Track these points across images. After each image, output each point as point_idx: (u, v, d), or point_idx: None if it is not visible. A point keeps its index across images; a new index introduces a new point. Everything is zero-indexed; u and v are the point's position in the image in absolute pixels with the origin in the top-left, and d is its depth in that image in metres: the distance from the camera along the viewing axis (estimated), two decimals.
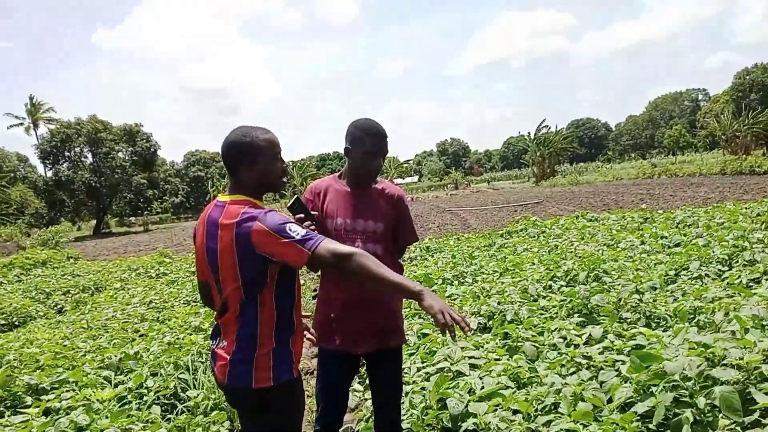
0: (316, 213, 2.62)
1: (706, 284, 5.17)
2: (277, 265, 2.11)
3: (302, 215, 2.47)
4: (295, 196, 2.58)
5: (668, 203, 16.77)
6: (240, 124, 2.29)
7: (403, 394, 3.14)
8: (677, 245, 7.58)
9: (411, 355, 4.28)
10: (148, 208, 55.63)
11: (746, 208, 10.05)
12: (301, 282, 2.42)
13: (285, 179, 2.35)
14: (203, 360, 4.69)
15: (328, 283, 2.81)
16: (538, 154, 49.47)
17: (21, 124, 58.38)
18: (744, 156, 34.96)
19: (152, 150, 50.99)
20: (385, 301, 2.77)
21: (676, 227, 9.20)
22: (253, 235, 2.05)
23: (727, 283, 4.86)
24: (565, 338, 3.96)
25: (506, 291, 5.61)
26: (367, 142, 2.68)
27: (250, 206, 2.15)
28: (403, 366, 3.02)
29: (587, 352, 3.48)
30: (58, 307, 10.01)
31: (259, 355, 2.14)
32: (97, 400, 3.91)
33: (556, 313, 4.77)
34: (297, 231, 2.04)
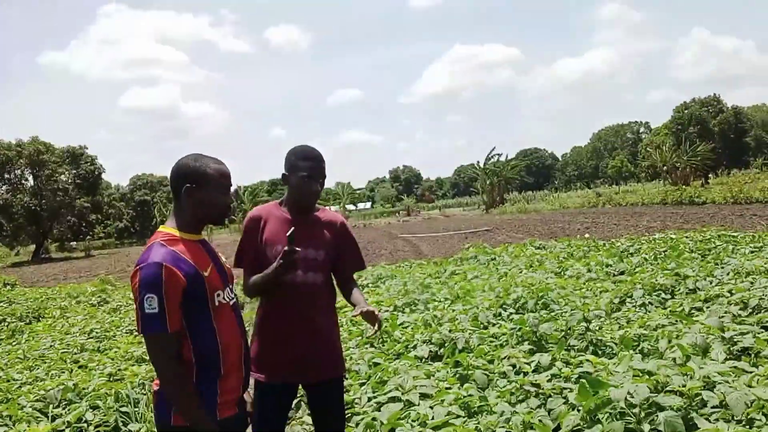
0: (299, 250, 2.53)
1: (649, 312, 5.32)
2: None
3: (294, 249, 2.45)
4: (292, 228, 2.49)
5: (612, 232, 17.27)
6: (189, 149, 2.27)
7: (350, 424, 3.10)
8: (621, 273, 7.79)
9: (362, 384, 4.23)
10: (91, 233, 53.90)
11: (687, 237, 10.43)
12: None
13: (228, 215, 2.32)
14: (146, 392, 4.52)
15: (265, 314, 2.76)
16: (488, 182, 50.38)
17: None
18: (684, 186, 36.44)
19: (97, 173, 49.63)
20: (324, 332, 2.74)
21: (620, 255, 9.46)
22: (131, 280, 2.08)
23: (670, 311, 5.00)
24: (514, 366, 4.00)
25: (457, 319, 5.63)
26: (303, 166, 2.67)
27: (162, 242, 2.12)
28: (346, 396, 2.99)
29: (536, 380, 3.51)
30: None
31: None
32: None
33: (506, 340, 4.81)
34: (150, 305, 2.00)
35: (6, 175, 45.44)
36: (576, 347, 4.38)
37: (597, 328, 4.75)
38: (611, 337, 4.45)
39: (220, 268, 2.28)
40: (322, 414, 2.80)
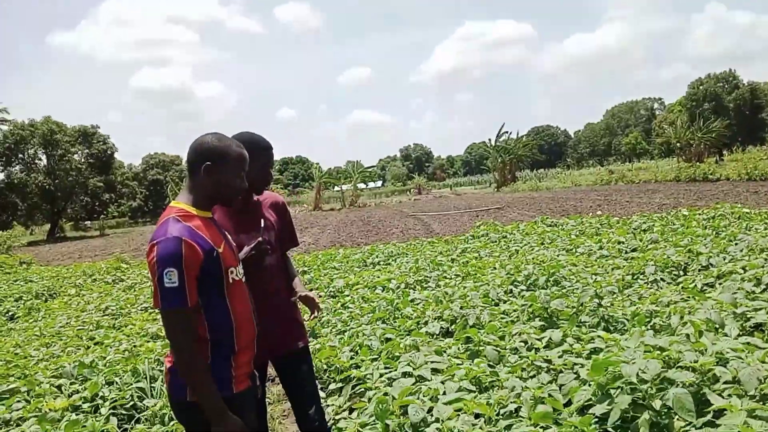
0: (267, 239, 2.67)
1: (661, 288, 5.30)
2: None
3: (264, 239, 2.58)
4: (263, 221, 2.64)
5: (625, 209, 17.16)
6: (199, 129, 2.29)
7: (362, 400, 3.13)
8: (634, 250, 7.76)
9: (374, 360, 4.27)
10: (105, 212, 54.35)
11: (700, 214, 10.36)
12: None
13: (238, 199, 2.36)
14: (162, 368, 4.59)
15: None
16: (499, 160, 50.08)
17: None
18: (698, 163, 36.06)
19: (109, 152, 49.91)
20: (284, 310, 2.84)
21: (633, 232, 9.41)
22: (148, 256, 2.10)
23: (682, 288, 4.98)
24: (525, 342, 4.01)
25: (468, 296, 5.64)
26: (252, 153, 2.68)
27: (177, 217, 2.13)
28: (357, 371, 3.05)
29: (547, 356, 3.52)
30: (10, 314, 9.66)
31: None
32: (50, 410, 3.80)
33: (517, 317, 4.82)
34: (170, 279, 2.01)
35: (20, 155, 45.88)
36: (587, 323, 4.38)
37: (608, 304, 4.74)
38: (623, 314, 4.44)
39: (231, 245, 2.30)
40: (294, 384, 2.89)
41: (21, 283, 12.71)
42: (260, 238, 2.57)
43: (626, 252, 7.75)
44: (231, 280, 2.20)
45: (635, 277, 5.88)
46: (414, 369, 3.69)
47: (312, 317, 2.88)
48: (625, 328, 4.20)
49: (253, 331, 2.30)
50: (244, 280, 2.32)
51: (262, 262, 2.65)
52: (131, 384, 4.26)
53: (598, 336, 3.67)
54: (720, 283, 4.83)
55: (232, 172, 2.24)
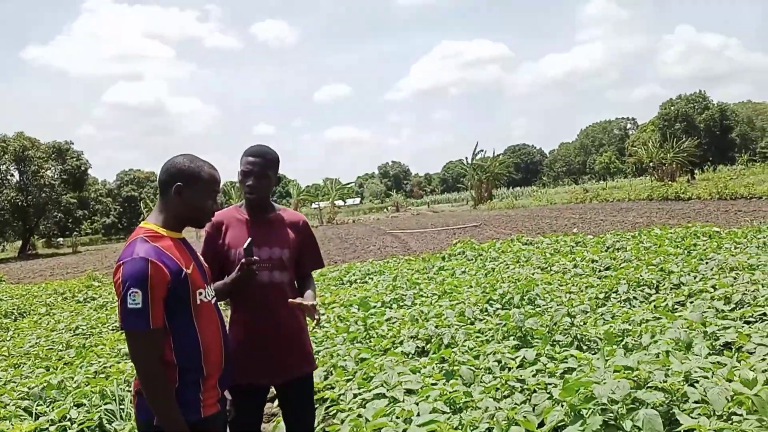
0: (257, 259, 2.58)
1: (634, 307, 5.36)
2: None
3: (252, 259, 2.50)
4: (250, 239, 2.55)
5: (599, 227, 17.37)
6: (175, 144, 2.29)
7: (335, 421, 3.11)
8: (607, 269, 7.85)
9: (348, 380, 4.24)
10: (78, 229, 53.51)
11: (672, 233, 10.52)
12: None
13: (209, 220, 2.34)
14: (131, 390, 4.50)
15: (233, 314, 2.78)
16: (476, 178, 50.48)
17: None
18: (670, 182, 36.72)
19: (83, 168, 49.22)
20: (292, 332, 2.76)
21: (606, 251, 9.52)
22: (114, 276, 2.08)
23: (654, 306, 5.05)
24: (500, 361, 4.01)
25: (444, 314, 5.65)
26: (242, 162, 2.72)
27: (145, 237, 2.11)
28: (331, 392, 3.01)
29: (521, 376, 3.53)
30: None
31: None
32: None
33: (492, 336, 4.84)
34: (133, 300, 2.00)
35: None
36: (561, 342, 4.40)
37: (582, 323, 4.78)
38: (596, 333, 4.48)
39: (201, 266, 2.28)
40: (292, 410, 2.83)
41: None
42: (243, 260, 2.52)
43: (600, 270, 7.84)
44: (199, 302, 2.18)
45: (608, 295, 5.95)
46: (388, 390, 3.67)
47: (313, 327, 2.79)
48: (598, 347, 4.23)
49: (222, 354, 2.27)
50: (214, 302, 2.29)
51: (250, 283, 2.60)
52: (100, 406, 4.17)
53: (572, 355, 3.70)
54: (691, 302, 4.90)
55: (203, 194, 2.23)
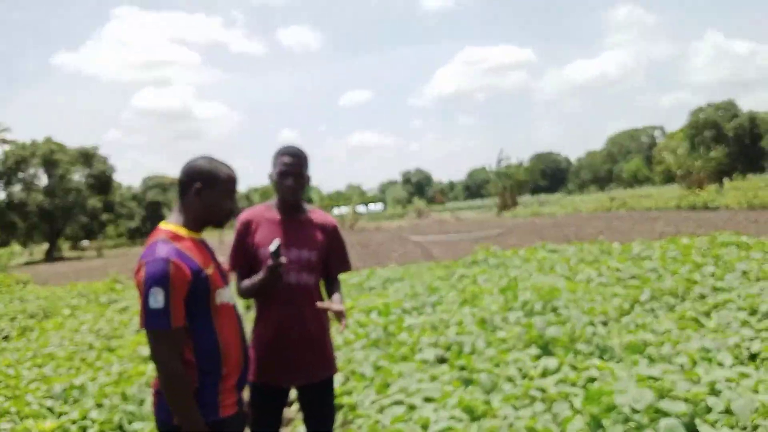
0: (285, 260, 2.57)
1: (658, 317, 5.26)
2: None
3: (280, 261, 2.48)
4: (277, 240, 2.54)
5: (625, 236, 17.13)
6: (201, 149, 2.31)
7: (352, 426, 3.09)
8: (632, 278, 7.72)
9: (366, 387, 4.22)
10: (103, 233, 54.28)
11: (699, 242, 10.33)
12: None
13: (229, 220, 2.35)
14: (151, 393, 4.54)
15: (258, 314, 2.77)
16: (500, 185, 50.20)
17: None
18: (698, 191, 36.12)
19: (108, 173, 50.00)
20: (315, 334, 2.74)
21: (632, 260, 9.38)
22: (136, 275, 2.09)
23: (678, 316, 4.95)
24: (520, 370, 3.97)
25: (464, 322, 5.60)
26: (278, 162, 2.70)
27: (167, 238, 2.13)
28: (348, 398, 2.98)
29: (542, 384, 3.48)
30: (4, 333, 9.59)
31: None
32: (39, 431, 3.75)
33: (513, 344, 4.78)
34: (156, 299, 2.01)
35: (20, 175, 45.96)
36: (583, 352, 4.33)
37: (605, 332, 4.70)
38: (619, 342, 4.40)
39: (220, 267, 2.29)
40: (312, 413, 2.81)
41: (17, 302, 12.65)
42: (270, 263, 2.52)
43: (625, 279, 7.71)
44: (218, 302, 2.19)
45: (633, 305, 5.85)
46: (406, 396, 3.64)
47: (340, 331, 2.77)
48: (621, 356, 4.15)
49: (240, 355, 2.27)
50: (233, 303, 2.30)
51: (276, 284, 2.61)
52: (120, 407, 4.21)
53: (594, 365, 3.64)
54: (716, 312, 4.79)
55: (222, 194, 2.24)
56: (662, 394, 2.66)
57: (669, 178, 55.48)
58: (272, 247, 2.49)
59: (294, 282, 2.68)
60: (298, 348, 2.68)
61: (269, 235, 2.69)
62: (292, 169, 2.69)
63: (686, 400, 2.60)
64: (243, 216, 2.82)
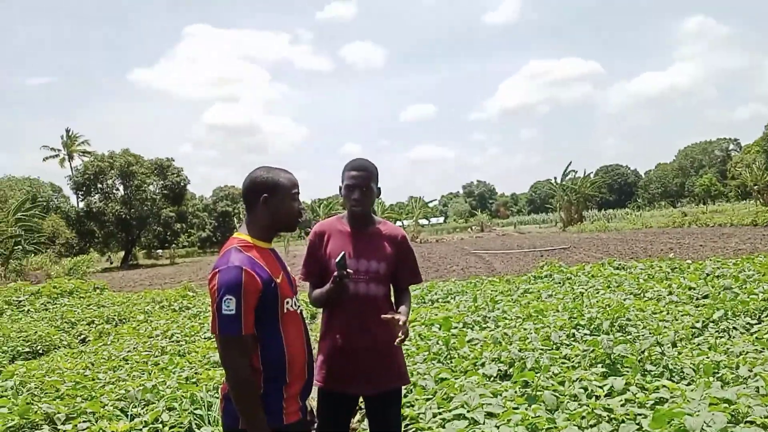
0: (351, 271, 2.63)
1: (733, 338, 5.04)
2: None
3: (344, 272, 2.54)
4: (343, 252, 2.60)
5: (698, 253, 16.46)
6: (268, 162, 2.41)
7: None
8: (705, 297, 7.42)
9: (428, 400, 4.22)
10: (176, 242, 56.22)
11: None
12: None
13: (300, 220, 2.41)
14: (219, 398, 4.67)
15: (328, 324, 2.82)
16: (565, 199, 49.14)
17: (56, 156, 60.03)
18: None
19: (182, 184, 51.82)
20: (384, 345, 2.77)
21: (705, 278, 9.01)
22: (209, 283, 2.16)
23: (756, 338, 4.73)
24: (586, 389, 3.88)
25: (528, 338, 5.52)
26: (346, 176, 2.78)
27: (239, 247, 2.21)
28: (410, 410, 3.00)
29: (608, 404, 3.40)
30: (82, 337, 10.10)
31: None
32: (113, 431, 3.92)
33: (579, 362, 4.68)
34: (228, 306, 2.08)
35: (99, 185, 48.31)
36: (652, 372, 4.20)
37: (675, 353, 4.54)
38: (690, 363, 4.24)
39: (289, 276, 2.36)
40: (379, 424, 2.84)
41: (94, 308, 13.26)
42: (335, 273, 2.58)
43: (697, 299, 7.43)
44: (286, 311, 2.25)
45: (705, 325, 5.62)
46: (468, 411, 3.62)
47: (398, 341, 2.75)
48: (693, 378, 4.00)
49: (305, 364, 2.33)
50: (300, 311, 2.36)
51: (342, 295, 2.66)
52: (190, 410, 4.35)
53: (663, 386, 3.52)
54: None
55: (287, 198, 2.32)
56: (737, 419, 2.56)
57: (744, 193, 52.95)
58: (338, 258, 2.56)
59: (363, 293, 2.74)
60: (365, 357, 2.72)
61: (339, 247, 2.75)
62: (359, 182, 2.76)
63: (764, 427, 2.49)
64: (316, 227, 2.91)
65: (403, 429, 3.94)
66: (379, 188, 2.87)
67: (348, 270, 2.59)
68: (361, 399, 2.90)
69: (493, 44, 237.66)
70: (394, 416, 2.85)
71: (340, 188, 2.83)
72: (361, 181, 2.76)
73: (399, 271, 2.90)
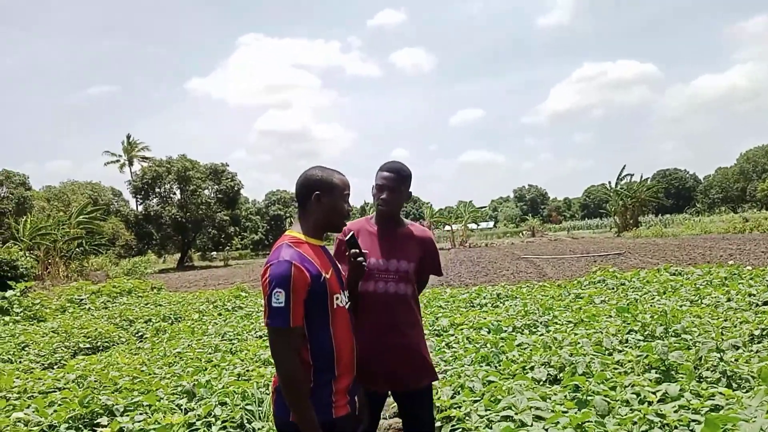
0: (366, 251, 2.67)
1: None
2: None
3: (356, 251, 2.57)
4: (351, 232, 2.66)
5: (759, 260, 15.83)
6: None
7: None
8: (765, 303, 7.14)
9: (475, 402, 4.20)
10: (229, 244, 57.48)
11: None
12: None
13: (346, 222, 2.47)
14: (269, 392, 4.77)
15: (357, 323, 2.85)
16: (620, 204, 47.93)
17: (117, 161, 62.29)
18: None
19: (236, 189, 52.99)
20: (412, 343, 2.83)
21: (766, 285, 8.66)
22: (262, 276, 2.23)
23: None
24: (638, 394, 3.79)
25: (579, 342, 5.43)
26: (378, 176, 2.84)
27: (290, 243, 2.28)
28: (456, 411, 3.02)
29: (661, 410, 3.32)
30: (140, 334, 10.46)
31: None
32: (167, 424, 4.05)
33: (631, 368, 4.57)
34: (277, 299, 2.14)
35: (157, 189, 49.89)
36: (708, 379, 4.08)
37: (732, 359, 4.39)
38: (749, 370, 4.09)
39: (338, 272, 2.41)
40: (411, 420, 2.89)
41: (151, 306, 13.73)
42: (348, 252, 2.59)
43: (757, 305, 7.15)
44: (335, 306, 2.30)
45: (765, 332, 5.41)
46: (516, 413, 3.59)
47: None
48: (751, 386, 3.86)
49: (353, 358, 2.37)
50: (348, 307, 2.41)
51: (360, 274, 2.66)
52: (241, 406, 4.46)
53: (719, 392, 3.42)
54: None
55: (339, 198, 2.38)
56: None
57: None
58: (348, 237, 2.59)
59: (392, 292, 2.80)
60: (393, 356, 2.77)
61: (368, 246, 2.81)
62: (388, 184, 2.83)
63: None
64: (346, 228, 2.96)
65: (450, 429, 3.95)
66: (410, 192, 2.93)
67: (362, 249, 2.61)
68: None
69: (544, 48, 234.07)
70: (426, 412, 2.89)
71: (373, 188, 2.89)
72: (391, 182, 2.83)
73: (422, 267, 2.98)
